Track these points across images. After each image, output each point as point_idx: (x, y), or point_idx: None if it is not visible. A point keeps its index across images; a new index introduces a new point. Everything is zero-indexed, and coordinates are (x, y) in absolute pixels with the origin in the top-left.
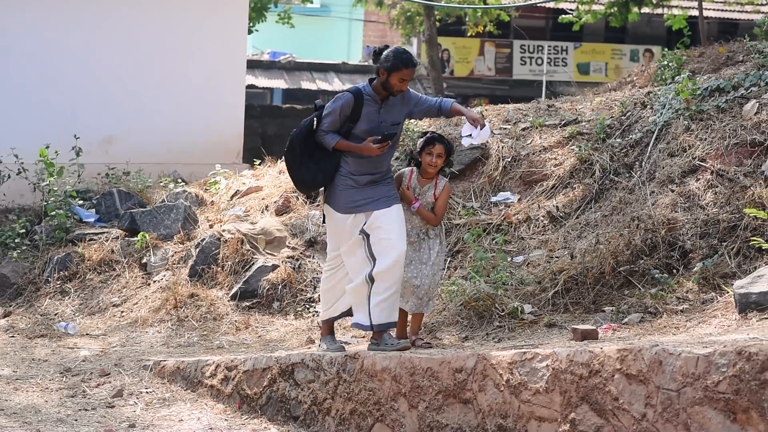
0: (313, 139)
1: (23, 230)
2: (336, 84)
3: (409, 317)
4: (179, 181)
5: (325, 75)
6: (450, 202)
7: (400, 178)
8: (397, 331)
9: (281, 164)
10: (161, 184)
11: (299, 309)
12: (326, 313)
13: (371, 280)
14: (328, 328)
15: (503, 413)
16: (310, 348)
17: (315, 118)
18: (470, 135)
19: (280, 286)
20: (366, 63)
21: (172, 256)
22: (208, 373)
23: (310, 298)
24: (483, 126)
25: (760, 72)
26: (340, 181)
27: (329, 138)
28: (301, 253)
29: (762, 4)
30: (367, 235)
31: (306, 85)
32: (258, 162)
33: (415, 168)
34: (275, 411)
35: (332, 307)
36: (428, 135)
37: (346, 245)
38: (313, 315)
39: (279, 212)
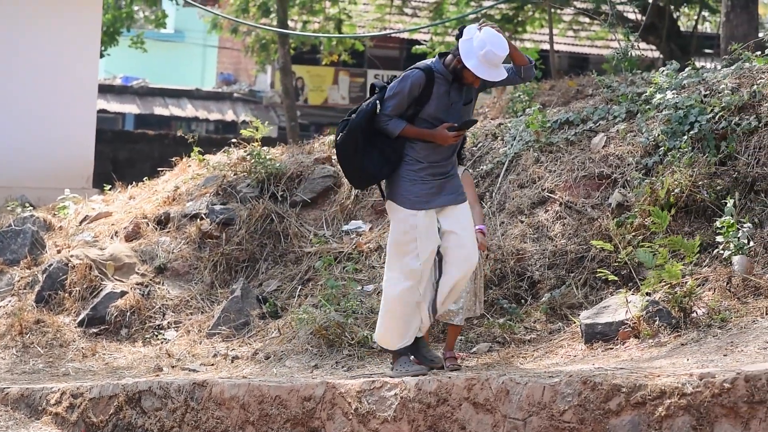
0: (373, 125)
1: None
2: (189, 110)
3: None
4: (27, 205)
5: (178, 101)
6: (301, 230)
7: None
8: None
9: (132, 189)
10: (8, 208)
11: (147, 336)
12: (401, 341)
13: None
14: (398, 354)
15: None
16: (158, 376)
17: (377, 101)
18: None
19: (128, 313)
20: (219, 90)
21: (18, 281)
22: (53, 400)
23: (158, 325)
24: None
25: (608, 106)
26: (405, 172)
27: (394, 124)
28: (150, 279)
29: (611, 40)
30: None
31: (159, 110)
32: (108, 187)
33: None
34: None
35: (409, 335)
36: None
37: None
38: (162, 342)
39: (129, 238)
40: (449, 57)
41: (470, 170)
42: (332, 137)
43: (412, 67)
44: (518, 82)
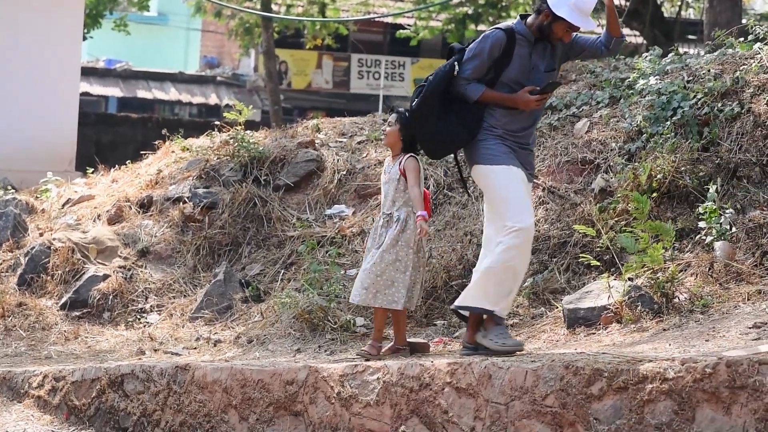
0: (451, 90)
1: None
2: (172, 93)
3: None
4: (9, 188)
5: (161, 84)
6: (284, 214)
7: None
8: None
9: (114, 173)
10: None
11: (130, 319)
12: (502, 301)
13: None
14: (492, 317)
15: (334, 426)
16: (140, 359)
17: (455, 63)
18: None
19: (111, 296)
20: (203, 73)
21: (1, 264)
22: (35, 383)
23: (141, 308)
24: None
25: (592, 92)
26: (484, 136)
27: (472, 88)
28: (133, 263)
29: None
30: None
31: (142, 93)
32: (91, 170)
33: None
34: (103, 422)
35: (512, 293)
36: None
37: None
38: (144, 325)
39: (111, 221)
40: (532, 17)
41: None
42: (315, 121)
43: (492, 27)
44: (604, 54)
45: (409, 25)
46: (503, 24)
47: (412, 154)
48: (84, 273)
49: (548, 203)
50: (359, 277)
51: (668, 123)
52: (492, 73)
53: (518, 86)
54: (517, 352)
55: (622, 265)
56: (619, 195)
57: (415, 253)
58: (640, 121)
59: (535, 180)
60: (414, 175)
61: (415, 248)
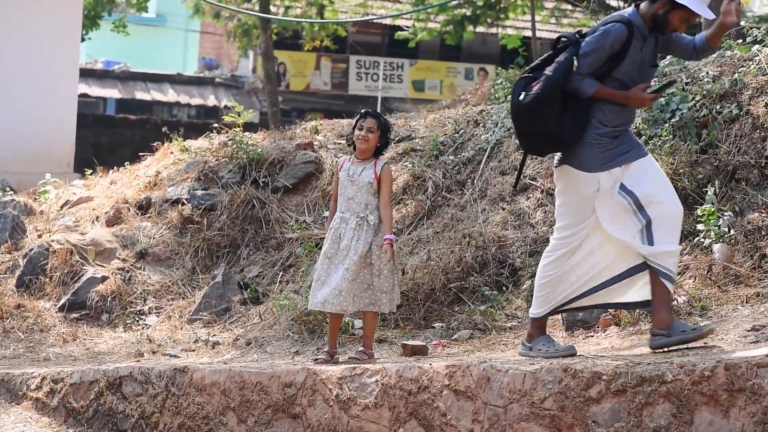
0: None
1: None
2: (171, 95)
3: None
4: (7, 189)
5: (159, 85)
6: (283, 216)
7: (337, 169)
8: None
9: (113, 174)
10: None
11: (128, 321)
12: (542, 308)
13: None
14: (540, 326)
15: (332, 428)
16: (139, 361)
17: (573, 57)
18: None
19: (109, 298)
20: (201, 75)
21: None
22: (34, 385)
23: (140, 310)
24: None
25: None
26: (590, 134)
27: (587, 83)
28: (131, 264)
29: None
30: (633, 195)
31: (140, 95)
32: (89, 172)
33: (352, 151)
34: (102, 424)
35: (552, 300)
36: (361, 110)
37: (605, 212)
38: (143, 327)
39: (110, 223)
40: (644, 5)
41: (390, 165)
42: (313, 123)
43: (610, 19)
44: (690, 57)
45: (407, 26)
46: (620, 15)
47: (386, 161)
48: (82, 275)
49: (547, 205)
50: (333, 283)
51: (667, 125)
52: (606, 67)
53: (630, 82)
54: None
55: None
56: None
57: (389, 260)
58: (639, 123)
59: (533, 182)
60: (389, 189)
61: (389, 255)
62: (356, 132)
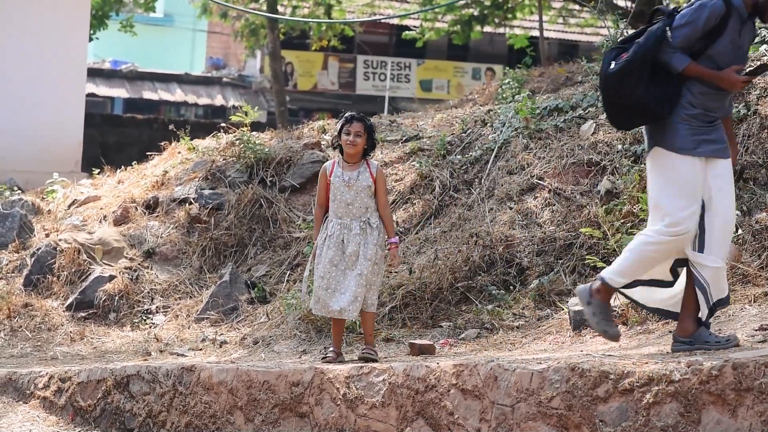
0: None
1: None
2: (178, 94)
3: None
4: (15, 188)
5: (167, 85)
6: (290, 216)
7: (323, 174)
8: (335, 343)
9: (120, 174)
10: None
11: (136, 320)
12: (628, 274)
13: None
14: (608, 295)
15: (339, 427)
16: (146, 360)
17: (666, 28)
18: None
19: (116, 297)
20: (208, 74)
21: (7, 265)
22: (41, 384)
23: (147, 309)
24: None
25: (598, 93)
26: (675, 115)
27: (678, 57)
28: (138, 264)
29: (601, 27)
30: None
31: (148, 95)
32: (97, 171)
33: (338, 156)
34: (109, 423)
35: (638, 275)
36: (345, 115)
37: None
38: (150, 326)
39: (117, 222)
40: None
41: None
42: (320, 123)
43: None
44: None
45: (414, 26)
46: None
47: (377, 163)
48: (90, 274)
49: (554, 205)
50: (349, 291)
51: None
52: (701, 44)
53: (723, 63)
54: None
55: None
56: (625, 197)
57: (399, 264)
58: None
59: (540, 182)
60: (385, 190)
61: (398, 259)
62: (343, 137)
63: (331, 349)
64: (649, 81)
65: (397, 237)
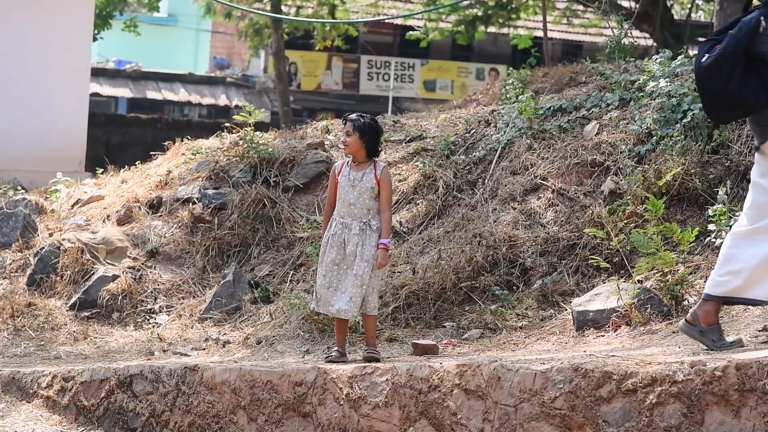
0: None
1: None
2: (182, 94)
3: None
4: (19, 188)
5: (171, 85)
6: (294, 215)
7: (333, 173)
8: (338, 343)
9: (124, 173)
10: (0, 191)
11: (139, 320)
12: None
13: None
14: (717, 310)
15: (343, 427)
16: (149, 360)
17: (762, 18)
18: None
19: (120, 297)
20: (212, 74)
21: (10, 264)
22: (44, 383)
23: (150, 309)
24: None
25: (602, 94)
26: None
27: None
28: (142, 263)
29: (605, 27)
30: None
31: (152, 94)
32: (101, 171)
33: (348, 157)
34: (112, 423)
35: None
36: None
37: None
38: (153, 326)
39: (121, 222)
40: None
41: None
42: (324, 123)
43: None
44: None
45: (418, 26)
46: None
47: (384, 165)
48: (93, 273)
49: (557, 205)
50: (347, 290)
51: (678, 125)
52: None
53: None
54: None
55: (632, 267)
56: (628, 197)
57: (381, 266)
58: (650, 124)
59: (544, 182)
60: (389, 193)
61: (383, 260)
62: (341, 138)
63: (335, 348)
64: (743, 72)
65: (389, 240)
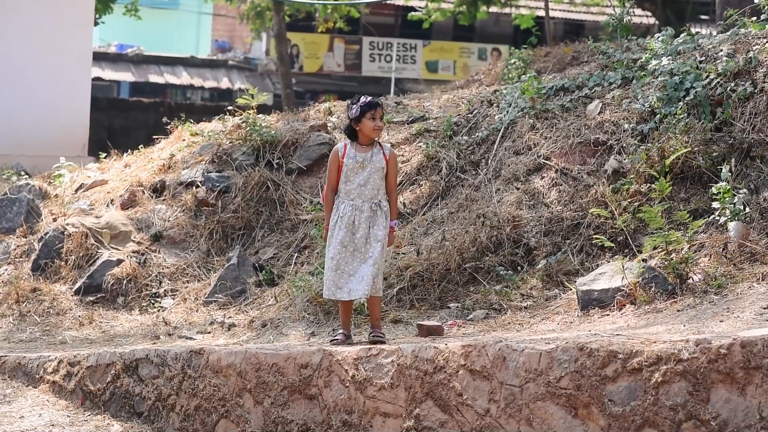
0: None
1: None
2: (184, 78)
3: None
4: (22, 173)
5: (173, 68)
6: (297, 198)
7: (335, 156)
8: (344, 325)
9: (127, 158)
10: (3, 176)
11: (144, 304)
12: None
13: None
14: None
15: (348, 409)
16: (155, 344)
17: None
18: None
19: (124, 281)
20: (214, 57)
21: (15, 249)
22: (51, 368)
23: (155, 293)
24: None
25: (604, 72)
26: None
27: None
28: (146, 247)
29: (607, 6)
30: None
31: (154, 78)
32: (104, 155)
33: (347, 140)
34: (119, 407)
35: None
36: (368, 99)
37: None
38: (158, 310)
39: (124, 206)
40: None
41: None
42: (327, 105)
43: None
44: None
45: (420, 7)
46: None
47: (389, 145)
48: (98, 258)
49: (561, 185)
50: (360, 272)
51: (681, 103)
52: None
53: None
54: None
55: (636, 246)
56: (632, 176)
57: (390, 245)
58: (653, 102)
59: (547, 162)
60: (396, 173)
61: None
62: (368, 123)
63: (341, 331)
64: None
65: (396, 221)
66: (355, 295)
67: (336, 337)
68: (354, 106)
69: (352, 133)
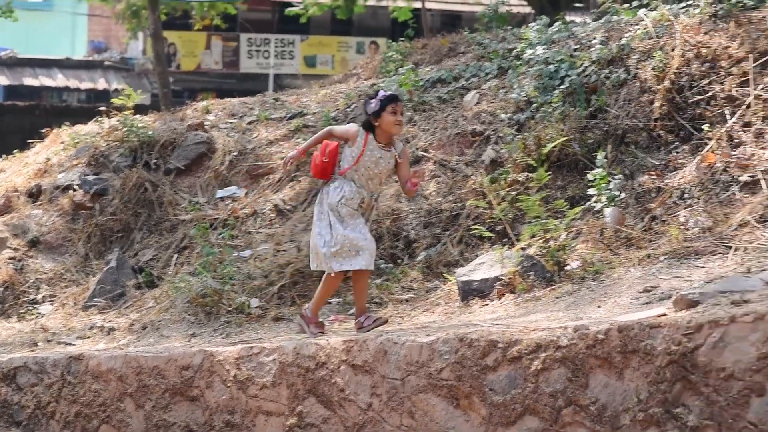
0: None
1: None
2: (60, 80)
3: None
4: None
5: (48, 71)
6: (176, 198)
7: (354, 132)
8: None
9: (1, 163)
10: None
11: (22, 311)
12: None
13: None
14: None
15: (231, 409)
16: (33, 351)
17: None
18: None
19: (1, 289)
20: (90, 58)
21: None
22: None
23: (33, 299)
24: None
25: (480, 63)
26: None
27: None
28: (23, 253)
29: None
30: None
31: (28, 81)
32: None
33: (365, 130)
34: None
35: None
36: (389, 93)
37: None
38: (37, 317)
39: (0, 212)
40: None
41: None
42: (204, 103)
43: None
44: None
45: (298, 2)
46: None
47: (401, 142)
48: None
49: (439, 176)
50: (367, 245)
51: (556, 92)
52: None
53: None
54: None
55: (515, 235)
56: (509, 165)
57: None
58: (529, 91)
59: (425, 154)
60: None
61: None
62: (390, 117)
63: (315, 323)
64: None
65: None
66: (364, 265)
67: (318, 332)
68: (373, 100)
69: (370, 128)
